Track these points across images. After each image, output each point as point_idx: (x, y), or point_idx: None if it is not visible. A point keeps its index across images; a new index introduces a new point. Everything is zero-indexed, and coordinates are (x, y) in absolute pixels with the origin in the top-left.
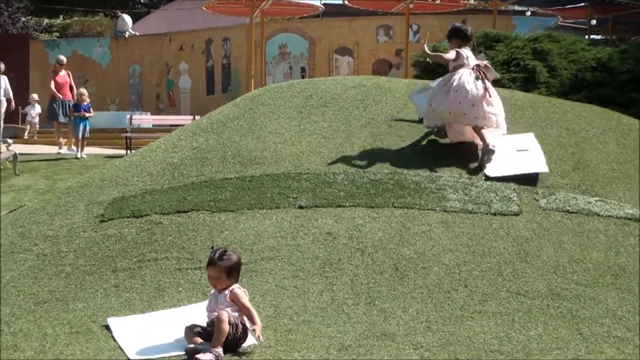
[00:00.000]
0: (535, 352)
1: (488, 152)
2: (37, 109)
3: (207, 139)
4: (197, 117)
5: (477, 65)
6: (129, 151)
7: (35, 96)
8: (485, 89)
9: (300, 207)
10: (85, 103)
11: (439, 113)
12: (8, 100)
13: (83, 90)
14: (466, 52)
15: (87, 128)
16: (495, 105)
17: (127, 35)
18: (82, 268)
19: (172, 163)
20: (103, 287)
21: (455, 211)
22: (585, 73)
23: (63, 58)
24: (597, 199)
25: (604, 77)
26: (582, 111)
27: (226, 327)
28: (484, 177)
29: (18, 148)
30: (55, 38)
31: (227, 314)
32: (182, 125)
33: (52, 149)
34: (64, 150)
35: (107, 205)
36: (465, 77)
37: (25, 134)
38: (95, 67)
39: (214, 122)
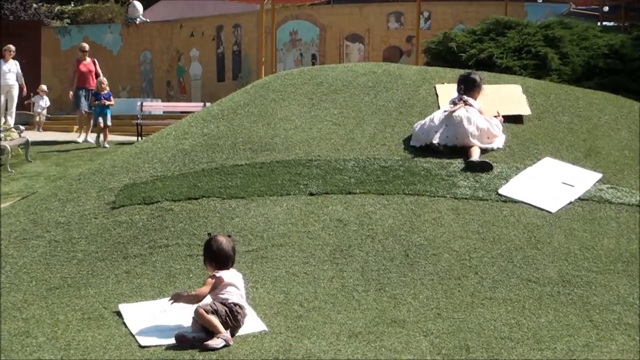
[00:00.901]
0: (545, 339)
1: (468, 163)
2: (45, 100)
3: (218, 126)
4: (208, 104)
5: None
6: (139, 138)
7: (44, 87)
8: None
9: (311, 194)
10: (105, 91)
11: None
12: (20, 86)
13: (103, 79)
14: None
15: (109, 116)
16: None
17: (138, 22)
18: (93, 254)
19: (182, 150)
20: (114, 274)
21: (466, 198)
22: (598, 60)
23: (85, 45)
24: (609, 186)
25: (616, 64)
26: (594, 98)
27: (209, 317)
28: (495, 192)
29: (30, 135)
30: (67, 25)
31: (200, 307)
32: (193, 112)
33: (64, 136)
34: (81, 138)
35: (118, 192)
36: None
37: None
38: (106, 54)
39: (225, 109)
